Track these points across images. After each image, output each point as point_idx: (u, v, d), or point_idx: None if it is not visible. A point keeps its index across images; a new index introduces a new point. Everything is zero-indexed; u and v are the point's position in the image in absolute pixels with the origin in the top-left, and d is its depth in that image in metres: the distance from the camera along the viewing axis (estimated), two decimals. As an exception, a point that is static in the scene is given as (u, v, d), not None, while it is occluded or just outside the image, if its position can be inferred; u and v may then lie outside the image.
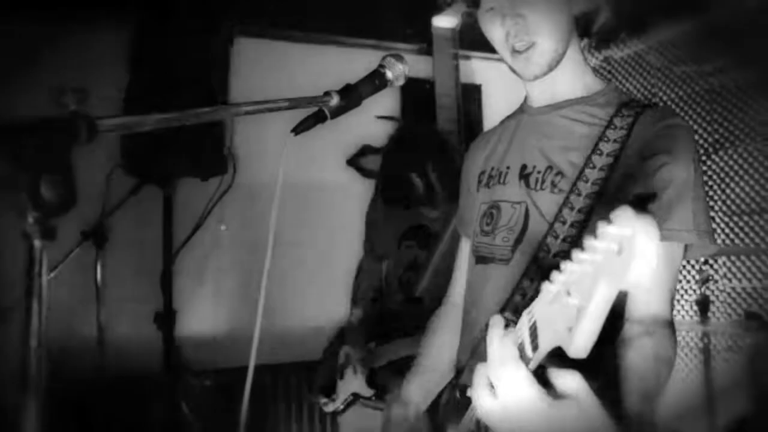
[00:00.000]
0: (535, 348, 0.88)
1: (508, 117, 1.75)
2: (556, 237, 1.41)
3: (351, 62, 3.97)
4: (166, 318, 3.17)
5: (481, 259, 1.60)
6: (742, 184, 3.54)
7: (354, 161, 4.06)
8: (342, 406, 3.00)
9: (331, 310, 3.76)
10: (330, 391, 3.05)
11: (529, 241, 1.48)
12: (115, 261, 3.21)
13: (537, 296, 0.89)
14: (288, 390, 3.95)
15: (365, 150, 4.04)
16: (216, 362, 3.62)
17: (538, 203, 1.49)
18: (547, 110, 1.57)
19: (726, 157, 3.61)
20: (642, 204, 0.76)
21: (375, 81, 1.32)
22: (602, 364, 1.11)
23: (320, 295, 3.87)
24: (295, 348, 3.74)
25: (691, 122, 3.81)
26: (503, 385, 0.91)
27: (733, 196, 3.58)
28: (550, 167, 1.49)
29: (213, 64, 3.37)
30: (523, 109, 1.67)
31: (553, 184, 1.47)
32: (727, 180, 3.61)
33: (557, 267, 0.86)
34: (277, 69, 3.95)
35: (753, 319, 3.12)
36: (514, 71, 1.53)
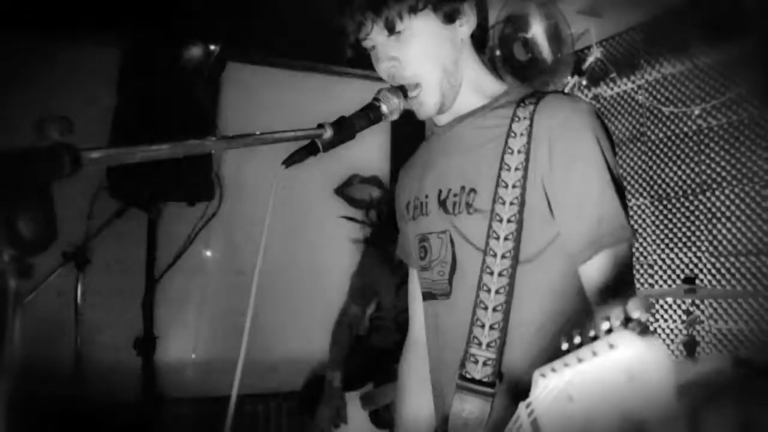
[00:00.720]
0: None
1: (424, 141, 1.72)
2: (495, 255, 1.37)
3: (343, 90, 3.97)
4: (146, 344, 3.12)
5: (426, 295, 1.57)
6: (729, 225, 3.55)
7: (342, 190, 4.04)
8: None
9: (314, 340, 3.71)
10: None
11: (463, 270, 1.44)
12: (96, 284, 3.16)
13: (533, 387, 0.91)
14: (268, 420, 3.88)
15: (353, 179, 4.03)
16: (196, 390, 3.56)
17: (460, 228, 1.44)
18: (451, 125, 1.53)
19: (713, 198, 3.62)
20: (642, 326, 0.78)
21: (369, 115, 1.31)
22: None
23: (304, 324, 3.82)
24: (277, 378, 3.68)
25: (679, 162, 3.83)
26: None
27: (720, 237, 3.58)
28: (463, 187, 1.45)
29: (204, 88, 3.35)
30: (432, 130, 1.63)
31: (468, 205, 1.43)
32: (714, 221, 3.62)
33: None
34: (269, 94, 3.94)
35: (742, 367, 3.04)
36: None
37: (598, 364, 0.79)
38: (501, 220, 1.36)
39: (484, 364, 1.36)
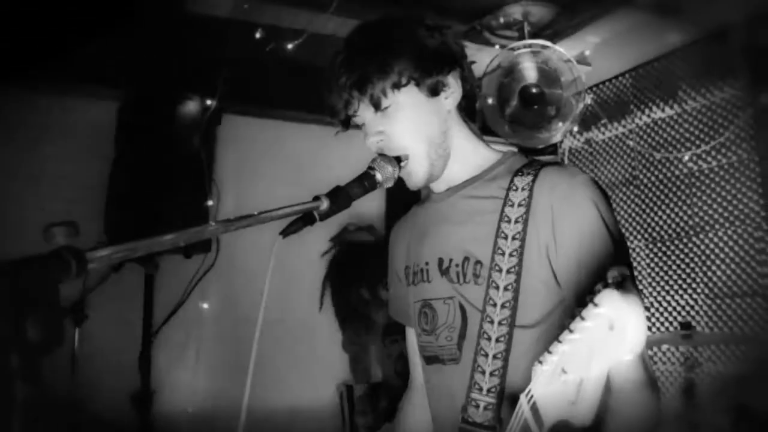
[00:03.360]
0: (540, 425, 0.98)
1: (417, 205, 1.74)
2: (492, 322, 1.39)
3: (338, 140, 4.00)
4: (143, 399, 3.11)
5: (430, 359, 1.57)
6: (723, 267, 3.57)
7: (338, 238, 4.05)
8: None
9: (313, 390, 3.69)
10: None
11: (472, 335, 1.45)
12: (93, 339, 3.15)
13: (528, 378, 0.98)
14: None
15: (349, 227, 4.05)
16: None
17: (467, 296, 1.46)
18: (448, 194, 1.56)
19: (707, 240, 3.65)
20: (620, 283, 0.86)
21: (365, 183, 1.34)
22: None
23: (302, 374, 3.80)
24: (276, 428, 3.65)
25: (671, 205, 3.86)
26: None
27: (714, 279, 3.60)
28: (467, 258, 1.47)
29: (200, 141, 3.40)
30: (429, 196, 1.66)
31: (476, 275, 1.45)
32: (708, 263, 3.64)
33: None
34: (265, 146, 3.98)
35: (739, 411, 3.03)
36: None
37: (586, 327, 0.86)
38: (498, 288, 1.39)
39: (482, 424, 1.38)
